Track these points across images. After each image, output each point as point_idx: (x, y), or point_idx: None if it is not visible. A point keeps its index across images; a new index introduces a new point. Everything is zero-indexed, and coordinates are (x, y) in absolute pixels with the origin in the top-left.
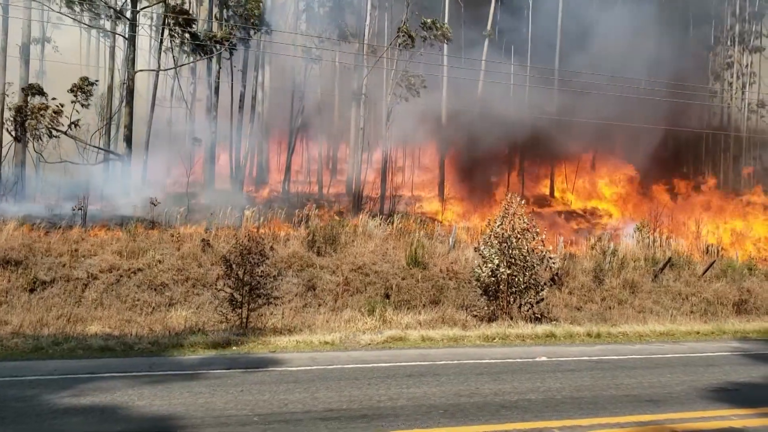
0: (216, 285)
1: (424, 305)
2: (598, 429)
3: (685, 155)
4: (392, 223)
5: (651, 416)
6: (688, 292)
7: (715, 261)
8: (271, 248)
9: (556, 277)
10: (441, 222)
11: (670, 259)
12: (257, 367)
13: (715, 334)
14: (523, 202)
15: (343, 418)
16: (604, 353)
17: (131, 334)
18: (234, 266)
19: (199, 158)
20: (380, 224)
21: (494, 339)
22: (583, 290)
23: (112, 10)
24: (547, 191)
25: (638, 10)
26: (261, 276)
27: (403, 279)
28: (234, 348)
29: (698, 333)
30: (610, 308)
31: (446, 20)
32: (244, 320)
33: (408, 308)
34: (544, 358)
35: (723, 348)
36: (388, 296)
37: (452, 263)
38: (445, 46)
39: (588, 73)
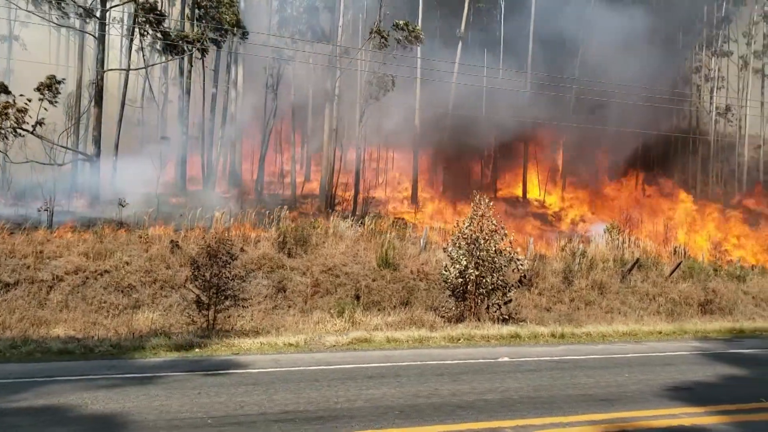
0: (185, 286)
1: (394, 306)
2: (551, 428)
3: (655, 158)
4: (363, 225)
5: (603, 415)
6: (655, 293)
7: (681, 262)
8: (242, 249)
9: (524, 279)
10: (414, 223)
11: (638, 260)
12: (218, 370)
13: (676, 333)
14: (491, 203)
15: (298, 420)
16: (567, 353)
17: (94, 337)
18: (201, 268)
19: (170, 159)
20: (352, 225)
21: (459, 340)
22: (552, 291)
23: (81, 9)
24: (520, 192)
25: (611, 15)
26: (228, 277)
27: (373, 280)
28: (197, 350)
29: (660, 333)
30: (578, 309)
31: (420, 21)
32: (211, 322)
33: (378, 309)
34: (506, 359)
35: (682, 348)
36: (358, 297)
37: (423, 264)
38: (419, 48)
39: (558, 77)
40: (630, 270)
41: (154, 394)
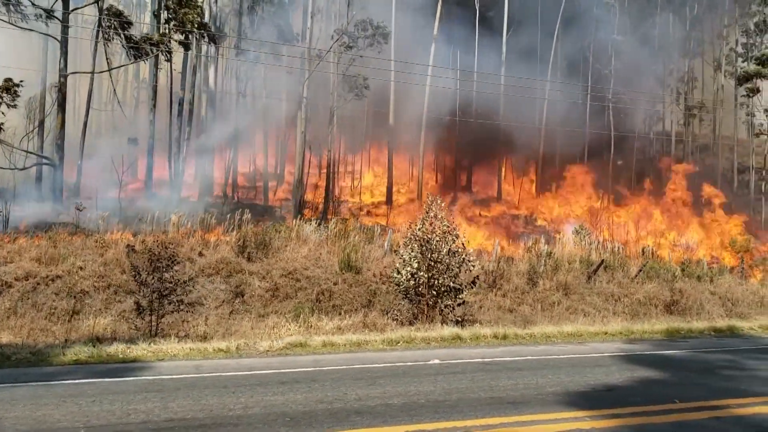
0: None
1: (355, 310)
2: None
3: (627, 160)
4: (327, 228)
5: (501, 419)
6: (620, 294)
7: (646, 263)
8: (200, 254)
9: (477, 280)
10: (386, 226)
11: (603, 261)
12: (129, 375)
13: (622, 334)
14: (443, 204)
15: (178, 428)
16: (503, 355)
17: (37, 345)
18: (142, 272)
19: (135, 163)
20: (316, 229)
21: (399, 343)
22: (516, 292)
23: (42, 11)
24: (495, 193)
25: (585, 16)
26: (171, 282)
27: (335, 284)
28: (121, 356)
29: (606, 334)
30: (543, 310)
31: (393, 23)
32: (154, 327)
33: (339, 313)
34: (436, 361)
35: (623, 349)
36: (319, 302)
37: (386, 267)
38: (392, 49)
39: (530, 79)
40: (595, 271)
41: (44, 403)
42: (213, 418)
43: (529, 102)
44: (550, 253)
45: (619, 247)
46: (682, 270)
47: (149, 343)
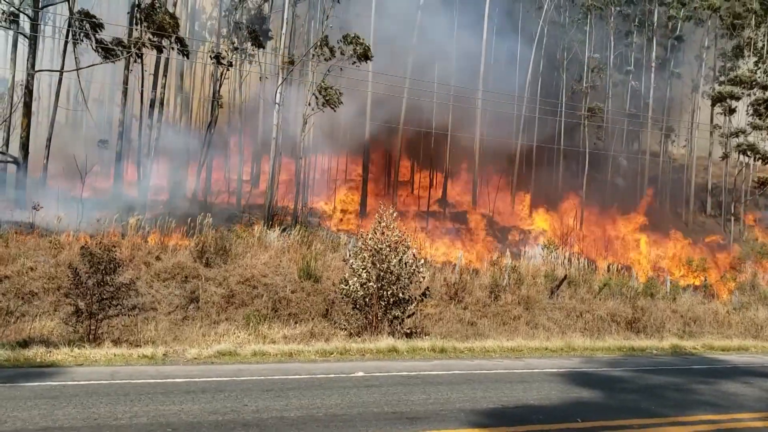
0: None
1: (312, 319)
2: None
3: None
4: (290, 235)
5: None
6: (582, 309)
7: (566, 276)
8: (157, 258)
9: (428, 292)
10: (355, 234)
11: (566, 276)
12: (35, 380)
13: (563, 351)
14: (395, 214)
15: None
16: (432, 369)
17: None
18: (82, 275)
19: (104, 164)
20: (280, 235)
21: (332, 354)
22: (478, 305)
23: (10, 8)
24: (468, 206)
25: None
26: (112, 286)
27: (292, 292)
28: (39, 360)
29: (546, 350)
30: (503, 324)
31: (372, 33)
32: (93, 331)
33: (295, 322)
34: (360, 374)
35: (555, 365)
36: (276, 310)
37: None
38: (370, 62)
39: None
40: (558, 286)
41: None
42: (91, 427)
43: (508, 115)
44: (515, 267)
45: (585, 263)
46: (645, 288)
47: (73, 348)
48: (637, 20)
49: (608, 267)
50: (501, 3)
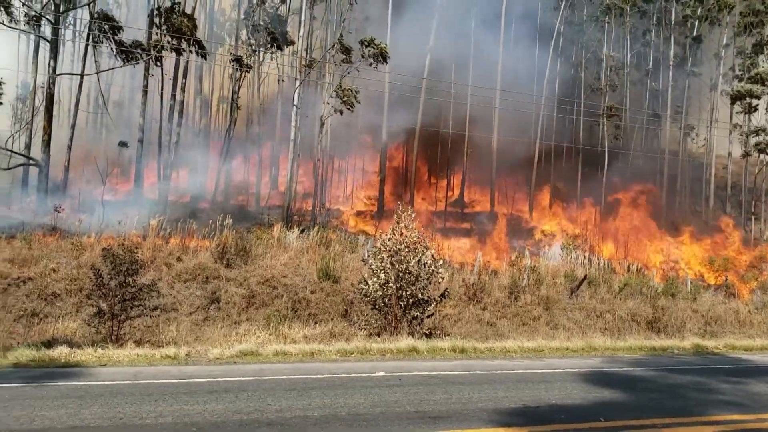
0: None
1: (331, 319)
2: None
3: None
4: (309, 236)
5: None
6: (602, 309)
7: (585, 277)
8: (178, 259)
9: (447, 292)
10: (373, 235)
11: (585, 276)
12: (60, 380)
13: (584, 351)
14: (414, 215)
15: None
16: (452, 369)
17: None
18: (104, 276)
19: (124, 166)
20: (299, 236)
21: (353, 354)
22: (497, 306)
23: (33, 13)
24: (486, 206)
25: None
26: (133, 287)
27: (312, 292)
28: (63, 360)
29: (567, 350)
30: (523, 324)
31: (389, 34)
32: (115, 332)
33: (315, 322)
34: (381, 373)
35: (576, 365)
36: (295, 310)
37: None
38: (386, 63)
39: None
40: (578, 286)
41: None
42: (117, 427)
43: (525, 115)
44: (534, 267)
45: (605, 264)
46: (666, 288)
47: (96, 348)
48: (655, 18)
49: (628, 267)
50: (517, 2)
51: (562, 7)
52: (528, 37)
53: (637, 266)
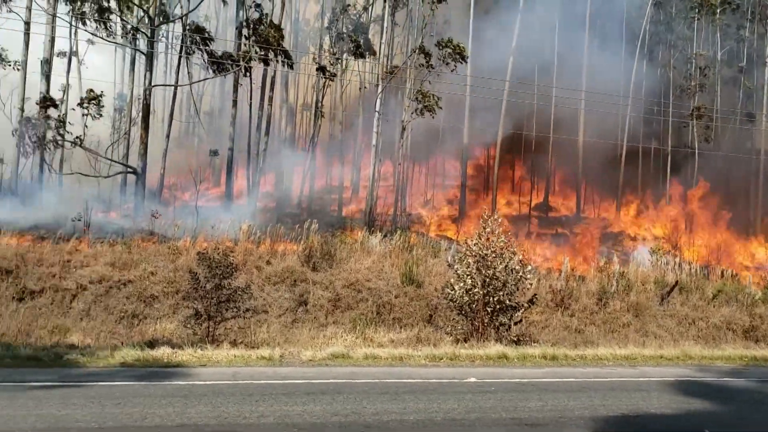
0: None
1: (415, 324)
2: None
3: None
4: (391, 240)
5: None
6: (695, 317)
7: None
8: (267, 262)
9: (535, 299)
10: (455, 240)
11: (677, 282)
12: (165, 380)
13: (679, 359)
14: (500, 220)
15: None
16: (544, 376)
17: (91, 346)
18: (201, 279)
19: (215, 173)
20: (382, 241)
21: (442, 359)
22: (585, 312)
23: (130, 27)
24: (572, 211)
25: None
26: (229, 289)
27: (396, 297)
28: (165, 360)
29: (661, 358)
30: (612, 331)
31: (470, 38)
32: (211, 333)
33: (400, 327)
34: (473, 379)
35: (672, 374)
36: (379, 314)
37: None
38: (468, 64)
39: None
40: (669, 293)
41: (72, 403)
42: (223, 425)
43: (611, 117)
44: (623, 273)
45: (696, 269)
46: (765, 294)
47: (196, 349)
48: (749, 13)
49: (722, 273)
50: (603, 1)
51: (649, 5)
52: (613, 37)
53: (732, 272)
